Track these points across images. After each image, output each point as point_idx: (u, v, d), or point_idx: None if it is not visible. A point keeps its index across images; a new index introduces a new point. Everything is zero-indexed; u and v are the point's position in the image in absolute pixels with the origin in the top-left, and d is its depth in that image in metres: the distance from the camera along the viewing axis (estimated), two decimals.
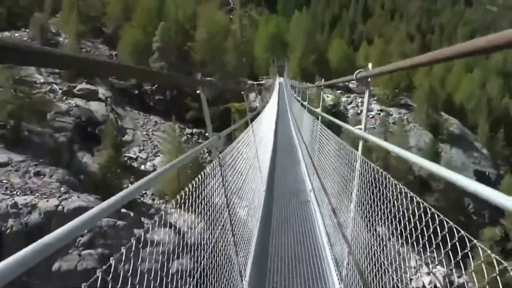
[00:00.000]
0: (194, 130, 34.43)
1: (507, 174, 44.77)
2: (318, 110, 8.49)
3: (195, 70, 39.20)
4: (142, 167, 27.82)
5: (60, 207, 15.22)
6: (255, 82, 47.81)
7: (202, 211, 2.99)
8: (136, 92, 36.71)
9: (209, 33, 41.32)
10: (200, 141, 34.18)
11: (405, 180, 30.90)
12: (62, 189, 17.31)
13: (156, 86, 36.70)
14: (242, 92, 11.47)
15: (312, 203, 7.89)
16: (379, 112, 45.76)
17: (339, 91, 47.98)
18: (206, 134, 32.70)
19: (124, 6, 42.79)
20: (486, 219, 36.63)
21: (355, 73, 3.39)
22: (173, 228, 5.05)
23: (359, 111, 45.84)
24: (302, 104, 16.00)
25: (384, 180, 2.77)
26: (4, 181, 16.04)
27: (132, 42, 37.74)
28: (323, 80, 10.66)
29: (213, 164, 3.49)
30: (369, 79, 3.35)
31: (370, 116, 45.30)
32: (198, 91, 3.36)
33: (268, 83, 43.33)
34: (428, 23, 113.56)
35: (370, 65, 3.34)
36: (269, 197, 8.29)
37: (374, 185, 3.00)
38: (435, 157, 38.65)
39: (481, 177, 42.04)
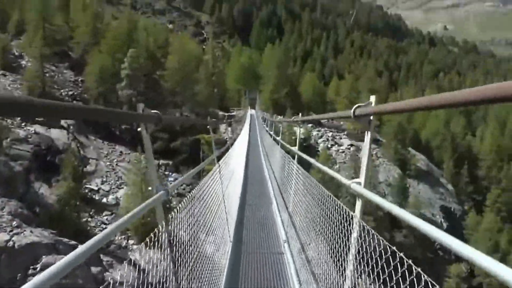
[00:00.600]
0: (161, 162, 33.05)
1: (471, 210, 45.42)
2: (295, 148, 7.58)
3: (165, 99, 38.27)
4: (104, 199, 26.24)
5: (10, 243, 13.73)
6: (226, 114, 47.18)
7: None
8: None
9: (181, 62, 40.65)
10: (166, 173, 32.81)
11: (374, 216, 30.46)
12: (14, 222, 15.75)
13: None
14: (208, 126, 10.48)
15: (286, 256, 6.96)
16: (349, 147, 45.80)
17: (310, 125, 47.92)
18: (175, 165, 31.15)
19: (93, 31, 41.65)
20: (452, 256, 36.53)
21: (353, 108, 2.47)
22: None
23: (329, 145, 45.82)
24: (274, 139, 15.10)
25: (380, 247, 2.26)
26: None
27: (100, 68, 36.43)
28: (300, 114, 9.91)
29: (158, 231, 2.50)
30: (371, 117, 2.40)
31: (340, 150, 45.32)
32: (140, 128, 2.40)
33: (239, 115, 42.77)
34: (395, 61, 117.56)
35: (372, 98, 2.39)
36: (237, 249, 7.29)
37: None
38: (404, 192, 38.70)
39: (447, 213, 42.41)
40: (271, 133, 17.79)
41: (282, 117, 44.42)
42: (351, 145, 46.33)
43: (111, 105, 33.46)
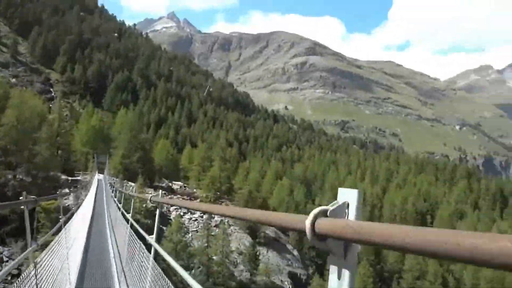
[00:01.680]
0: None
1: (315, 274, 48.50)
2: (129, 216, 7.02)
3: None
4: None
5: None
6: (70, 178, 43.17)
7: None
8: None
9: (20, 118, 36.44)
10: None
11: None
12: None
13: None
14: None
15: None
16: (202, 215, 45.66)
17: (163, 191, 46.70)
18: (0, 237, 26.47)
19: None
20: None
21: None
22: None
23: (182, 213, 45.03)
24: (118, 207, 13.44)
25: None
26: None
27: None
28: (147, 179, 9.37)
29: None
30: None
31: (193, 219, 44.86)
32: None
33: (85, 180, 39.47)
34: (244, 133, 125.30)
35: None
36: None
37: None
38: (255, 260, 39.51)
39: (294, 278, 44.37)
40: (120, 206, 15.20)
41: (133, 184, 42.60)
42: (204, 212, 46.35)
43: None
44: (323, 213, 1.22)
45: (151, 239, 5.13)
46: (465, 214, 79.45)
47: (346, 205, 1.26)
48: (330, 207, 1.25)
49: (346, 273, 1.21)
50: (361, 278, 44.95)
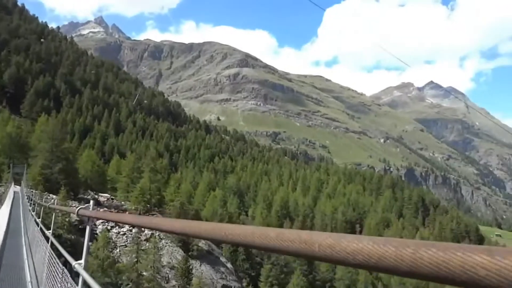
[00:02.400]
0: None
1: (249, 286, 47.91)
2: (49, 233, 5.99)
3: None
4: None
5: None
6: None
7: None
8: None
9: None
10: None
11: None
12: None
13: None
14: None
15: None
16: (131, 228, 43.27)
17: (87, 205, 43.67)
18: None
19: None
20: None
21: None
22: None
23: (109, 227, 42.32)
24: (36, 222, 11.77)
25: None
26: None
27: None
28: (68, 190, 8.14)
29: None
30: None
31: (121, 233, 42.34)
32: None
33: None
34: (176, 144, 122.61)
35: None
36: None
37: None
38: (188, 274, 38.01)
39: None
40: (38, 220, 13.18)
41: (55, 196, 39.30)
42: (133, 226, 44.00)
43: None
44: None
45: (79, 266, 3.80)
46: (391, 222, 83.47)
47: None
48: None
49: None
50: None
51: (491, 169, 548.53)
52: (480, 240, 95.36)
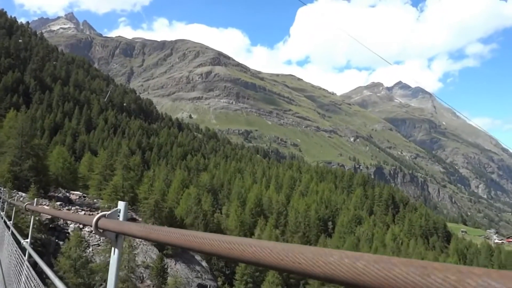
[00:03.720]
0: None
1: (225, 285, 48.02)
2: (25, 242, 5.90)
3: None
4: None
5: None
6: None
7: None
8: None
9: None
10: None
11: None
12: None
13: None
14: None
15: None
16: None
17: (58, 203, 42.74)
18: None
19: None
20: None
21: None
22: None
23: (81, 226, 41.54)
24: (6, 224, 11.40)
25: None
26: None
27: None
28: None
29: None
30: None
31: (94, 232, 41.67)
32: None
33: None
34: (148, 141, 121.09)
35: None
36: None
37: None
38: (163, 274, 37.73)
39: None
40: (2, 213, 12.68)
41: (24, 194, 38.39)
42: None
43: None
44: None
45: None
46: (363, 219, 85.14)
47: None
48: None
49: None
50: (269, 286, 45.50)
51: (456, 167, 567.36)
52: (448, 236, 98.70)
